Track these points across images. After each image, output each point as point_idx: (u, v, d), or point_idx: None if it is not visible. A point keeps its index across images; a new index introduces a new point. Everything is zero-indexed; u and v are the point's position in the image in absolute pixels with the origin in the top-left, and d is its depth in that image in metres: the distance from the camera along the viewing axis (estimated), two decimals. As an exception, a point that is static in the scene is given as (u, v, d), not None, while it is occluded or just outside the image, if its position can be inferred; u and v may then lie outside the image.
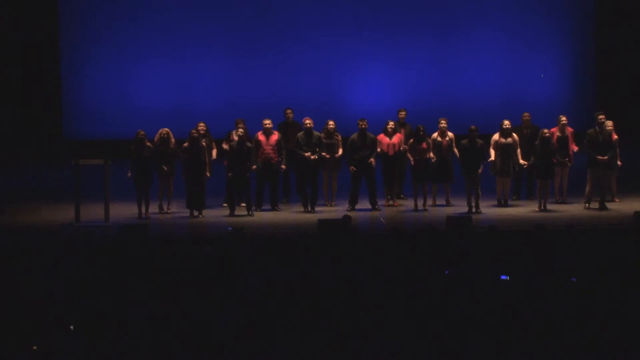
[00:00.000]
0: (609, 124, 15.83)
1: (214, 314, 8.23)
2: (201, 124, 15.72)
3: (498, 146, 15.61)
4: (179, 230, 14.31)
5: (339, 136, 15.87)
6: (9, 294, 8.83)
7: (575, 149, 16.00)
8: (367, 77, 22.74)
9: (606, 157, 15.44)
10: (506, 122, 15.76)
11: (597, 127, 15.65)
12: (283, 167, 15.74)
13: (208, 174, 15.28)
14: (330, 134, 15.73)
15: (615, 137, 15.81)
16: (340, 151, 15.76)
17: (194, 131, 15.30)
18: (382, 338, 7.92)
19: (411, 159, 15.59)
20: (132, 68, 22.52)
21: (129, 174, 15.11)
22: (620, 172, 16.14)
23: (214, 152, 15.85)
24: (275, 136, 15.67)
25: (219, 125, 17.57)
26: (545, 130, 15.36)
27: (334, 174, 15.91)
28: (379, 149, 15.66)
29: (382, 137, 15.78)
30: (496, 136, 15.74)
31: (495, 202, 15.86)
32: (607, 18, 23.06)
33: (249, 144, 15.33)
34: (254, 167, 15.44)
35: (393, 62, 22.82)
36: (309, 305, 8.35)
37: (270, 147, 15.57)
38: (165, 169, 15.20)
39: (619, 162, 15.83)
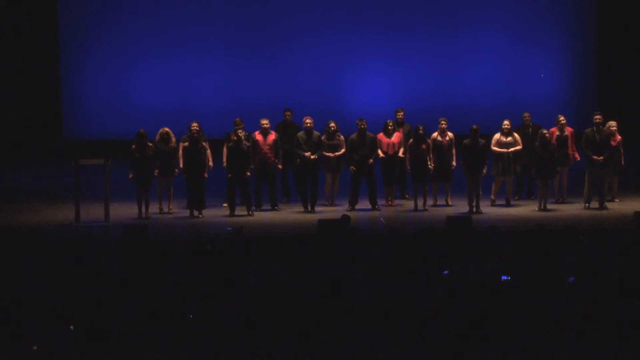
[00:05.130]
0: (613, 124, 15.86)
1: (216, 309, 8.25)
2: (194, 124, 15.55)
3: (500, 145, 15.63)
4: (179, 230, 14.31)
5: (341, 136, 15.86)
6: (9, 294, 8.83)
7: (578, 157, 16.00)
8: (367, 77, 22.74)
9: (602, 157, 15.46)
10: (506, 122, 15.79)
11: (594, 127, 15.68)
12: (280, 167, 15.76)
13: (206, 175, 15.26)
14: (331, 134, 15.73)
15: (619, 137, 15.83)
16: (342, 150, 15.75)
17: (194, 131, 15.27)
18: (382, 338, 7.92)
19: (407, 162, 15.58)
20: (132, 68, 22.52)
21: (131, 175, 15.09)
22: (622, 172, 16.15)
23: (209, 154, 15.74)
24: (272, 136, 15.67)
25: (219, 125, 17.57)
26: (545, 131, 15.39)
27: (336, 174, 15.91)
28: (381, 154, 15.65)
29: (381, 136, 15.79)
30: (497, 135, 15.76)
31: (499, 203, 15.89)
32: (607, 18, 23.05)
33: (247, 144, 15.33)
34: (252, 166, 15.43)
35: (393, 62, 22.81)
36: (308, 306, 8.36)
37: (268, 147, 15.57)
38: (156, 174, 15.16)
39: (622, 162, 15.86)
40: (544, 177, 15.42)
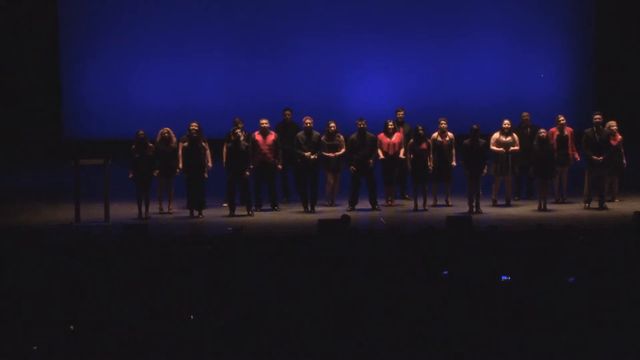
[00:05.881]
0: (613, 124, 15.87)
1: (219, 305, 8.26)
2: (194, 124, 15.53)
3: (499, 144, 15.64)
4: (179, 230, 14.30)
5: (342, 137, 15.85)
6: (9, 293, 8.83)
7: (578, 157, 16.01)
8: (367, 77, 22.74)
9: (602, 157, 15.47)
10: (506, 122, 15.80)
11: (594, 127, 15.68)
12: (279, 166, 15.76)
13: (206, 175, 15.26)
14: (331, 135, 15.72)
15: (620, 137, 15.84)
16: (342, 150, 15.75)
17: (194, 131, 15.27)
18: (382, 338, 7.92)
19: (408, 162, 15.57)
20: (132, 68, 22.51)
21: (130, 175, 15.10)
22: (623, 172, 16.15)
23: (208, 154, 15.72)
24: (272, 136, 15.67)
25: (219, 125, 17.55)
26: (542, 131, 15.39)
27: (337, 174, 15.91)
28: (380, 156, 15.64)
29: (382, 136, 15.79)
30: (496, 135, 15.77)
31: (500, 203, 15.89)
32: (607, 18, 23.04)
33: (246, 144, 15.33)
34: (252, 166, 15.43)
35: (393, 61, 22.81)
36: (308, 306, 8.36)
37: (267, 147, 15.57)
38: (156, 174, 15.16)
39: (624, 162, 15.88)
40: (543, 177, 15.42)
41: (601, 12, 23.09)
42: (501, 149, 15.61)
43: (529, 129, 16.16)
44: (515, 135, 15.77)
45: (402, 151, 15.80)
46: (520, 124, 16.30)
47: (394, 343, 7.86)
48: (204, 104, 22.04)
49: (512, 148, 15.62)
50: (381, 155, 15.69)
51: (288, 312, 8.24)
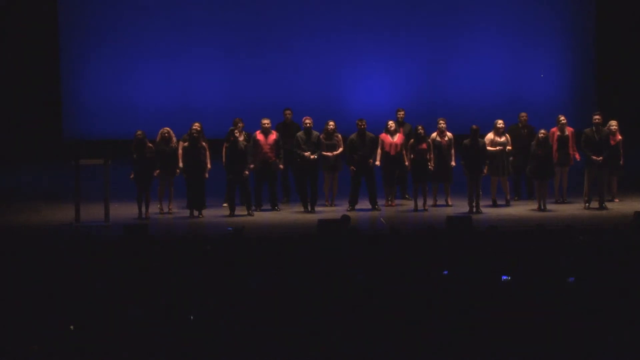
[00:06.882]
0: (613, 123, 15.87)
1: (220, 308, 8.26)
2: (196, 124, 15.56)
3: (494, 145, 15.65)
4: (179, 230, 14.30)
5: (340, 136, 15.87)
6: (9, 293, 8.83)
7: (578, 157, 15.99)
8: (367, 77, 22.73)
9: (601, 157, 15.47)
10: (500, 122, 15.80)
11: (593, 127, 15.68)
12: (281, 166, 15.76)
13: (206, 175, 15.27)
14: (330, 134, 15.73)
15: (620, 137, 15.84)
16: (340, 149, 15.76)
17: (194, 131, 15.28)
18: (382, 338, 7.92)
19: (407, 161, 15.59)
20: (132, 68, 22.51)
21: (132, 176, 15.10)
22: (622, 172, 16.15)
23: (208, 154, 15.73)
24: (273, 136, 15.68)
25: (219, 125, 17.54)
26: (542, 131, 15.39)
27: (335, 174, 15.92)
28: (377, 162, 15.63)
29: (384, 136, 15.78)
30: (490, 135, 15.77)
31: (500, 203, 15.90)
32: (607, 18, 23.05)
33: (245, 143, 15.33)
34: (252, 166, 15.44)
35: (393, 62, 22.81)
36: (309, 306, 8.36)
37: (269, 147, 15.57)
38: (156, 174, 15.16)
39: (621, 162, 15.89)
40: (541, 178, 15.42)
41: (601, 12, 23.09)
42: (497, 148, 15.59)
43: (526, 130, 16.16)
44: (507, 135, 15.78)
45: (405, 156, 15.76)
46: (517, 123, 16.30)
47: (394, 343, 7.86)
48: (204, 104, 22.04)
49: (507, 148, 15.64)
50: (377, 162, 15.67)
51: (288, 312, 8.24)
